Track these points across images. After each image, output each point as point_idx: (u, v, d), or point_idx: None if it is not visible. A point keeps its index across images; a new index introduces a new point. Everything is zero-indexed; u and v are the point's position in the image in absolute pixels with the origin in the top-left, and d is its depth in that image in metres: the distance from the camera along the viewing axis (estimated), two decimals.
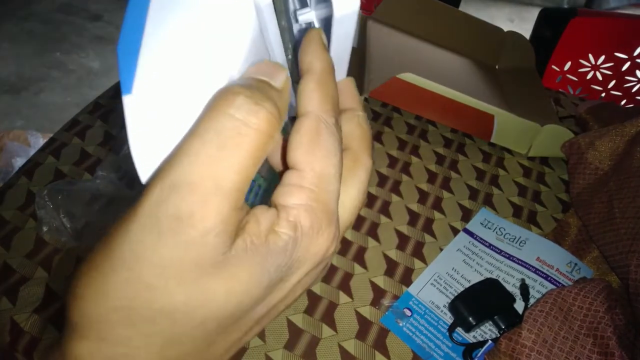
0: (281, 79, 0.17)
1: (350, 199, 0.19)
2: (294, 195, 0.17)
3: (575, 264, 0.48)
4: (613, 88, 0.79)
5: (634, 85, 0.78)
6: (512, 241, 0.50)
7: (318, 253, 0.17)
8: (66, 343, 0.15)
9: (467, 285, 0.45)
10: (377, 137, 0.62)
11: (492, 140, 0.60)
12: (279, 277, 0.16)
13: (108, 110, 0.61)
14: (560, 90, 0.78)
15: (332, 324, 0.42)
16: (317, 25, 0.20)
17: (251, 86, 0.16)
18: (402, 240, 0.50)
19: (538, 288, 0.46)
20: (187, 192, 0.14)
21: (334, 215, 0.17)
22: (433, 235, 0.51)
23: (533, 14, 0.83)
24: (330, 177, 0.17)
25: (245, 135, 0.15)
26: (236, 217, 0.15)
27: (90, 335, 0.15)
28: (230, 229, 0.15)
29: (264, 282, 0.16)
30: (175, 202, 0.14)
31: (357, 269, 0.47)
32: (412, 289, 0.45)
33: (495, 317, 0.42)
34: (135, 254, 0.14)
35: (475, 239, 0.51)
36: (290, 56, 0.21)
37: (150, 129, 0.16)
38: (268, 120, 0.15)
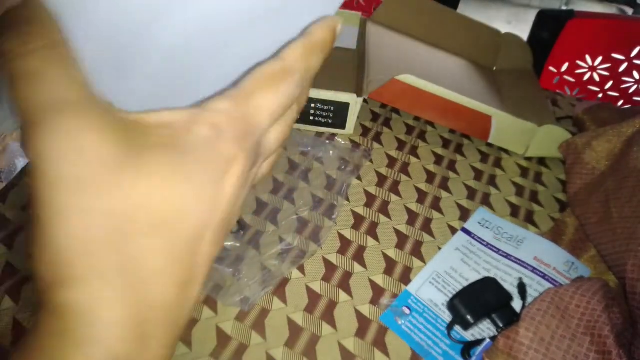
0: None
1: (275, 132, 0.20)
2: (222, 102, 0.16)
3: (573, 263, 0.48)
4: (610, 89, 0.79)
5: (631, 86, 0.78)
6: (510, 240, 0.50)
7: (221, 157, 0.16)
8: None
9: (465, 283, 0.46)
10: (376, 137, 0.62)
11: (490, 140, 0.61)
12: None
13: None
14: (557, 91, 0.78)
15: (332, 322, 0.43)
16: None
17: None
18: (401, 240, 0.50)
19: (535, 287, 0.46)
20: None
21: (252, 134, 0.17)
22: (431, 234, 0.51)
23: (531, 15, 0.83)
24: (265, 110, 0.17)
25: None
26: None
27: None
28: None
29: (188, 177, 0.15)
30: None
31: (357, 267, 0.47)
32: (411, 288, 0.46)
33: (493, 315, 0.42)
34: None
35: (473, 238, 0.51)
36: None
37: None
38: None
